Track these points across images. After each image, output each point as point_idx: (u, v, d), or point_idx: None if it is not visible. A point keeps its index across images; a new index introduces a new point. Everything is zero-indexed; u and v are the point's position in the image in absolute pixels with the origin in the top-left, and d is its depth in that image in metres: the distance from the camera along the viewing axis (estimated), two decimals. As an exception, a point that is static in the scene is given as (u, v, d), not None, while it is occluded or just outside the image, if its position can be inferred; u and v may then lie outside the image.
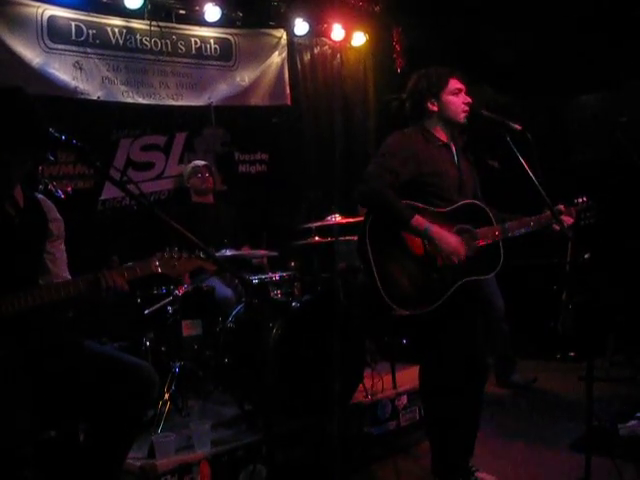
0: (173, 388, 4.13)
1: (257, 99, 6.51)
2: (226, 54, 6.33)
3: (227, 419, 4.08)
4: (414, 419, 4.45)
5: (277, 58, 6.65)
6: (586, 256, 3.48)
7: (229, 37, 6.34)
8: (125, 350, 4.15)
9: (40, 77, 5.19)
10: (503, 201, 3.64)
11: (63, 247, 2.90)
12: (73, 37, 5.40)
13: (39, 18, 5.22)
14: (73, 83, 5.38)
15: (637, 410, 4.09)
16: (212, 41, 6.23)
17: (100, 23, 5.55)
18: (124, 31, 5.68)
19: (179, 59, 6.02)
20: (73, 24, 5.40)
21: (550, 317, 5.63)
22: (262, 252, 5.04)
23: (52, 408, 2.57)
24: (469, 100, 3.42)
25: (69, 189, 4.28)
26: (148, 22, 5.74)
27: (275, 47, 6.65)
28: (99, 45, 5.54)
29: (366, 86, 7.25)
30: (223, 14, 6.06)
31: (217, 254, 4.41)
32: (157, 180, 5.89)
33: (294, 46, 6.80)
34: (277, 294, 4.45)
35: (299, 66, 6.88)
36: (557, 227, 3.41)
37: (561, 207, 3.55)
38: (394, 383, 4.48)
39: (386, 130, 3.59)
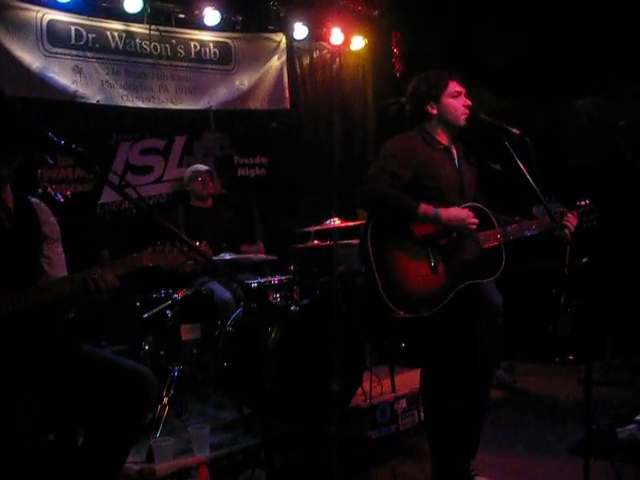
0: (172, 392, 4.14)
1: (256, 103, 6.51)
2: (225, 58, 6.34)
3: (226, 423, 4.09)
4: (413, 422, 4.45)
5: (276, 62, 6.66)
6: (584, 260, 3.47)
7: (228, 41, 6.35)
8: (124, 354, 4.16)
9: (39, 81, 5.19)
10: (505, 204, 3.64)
11: (60, 249, 2.89)
12: (73, 41, 5.41)
13: (39, 22, 5.22)
14: (72, 87, 5.39)
15: (636, 414, 4.09)
16: (211, 45, 6.24)
17: (100, 27, 5.55)
18: (124, 35, 5.68)
19: (178, 63, 6.02)
20: (73, 28, 5.41)
21: (548, 320, 5.63)
22: (261, 255, 5.05)
23: (50, 411, 2.56)
24: (469, 103, 3.42)
25: (68, 193, 4.29)
26: (148, 26, 5.74)
27: (274, 51, 6.66)
28: (99, 49, 5.54)
29: (365, 90, 7.26)
30: (222, 18, 6.06)
31: (216, 258, 4.41)
32: (156, 184, 5.89)
33: (293, 50, 6.81)
34: (276, 298, 4.46)
35: (298, 70, 6.89)
36: (567, 232, 3.40)
37: (561, 209, 3.55)
38: (393, 387, 4.48)
39: (385, 134, 3.60)
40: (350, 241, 4.85)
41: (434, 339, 3.37)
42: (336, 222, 4.68)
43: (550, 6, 5.79)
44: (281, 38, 6.67)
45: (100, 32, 5.55)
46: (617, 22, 5.63)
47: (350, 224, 4.63)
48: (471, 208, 3.36)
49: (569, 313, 5.23)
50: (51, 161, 4.55)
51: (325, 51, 7.07)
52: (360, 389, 4.22)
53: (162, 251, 2.73)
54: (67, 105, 5.34)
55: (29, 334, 2.64)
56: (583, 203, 3.60)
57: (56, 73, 5.29)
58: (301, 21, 6.54)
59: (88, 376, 2.63)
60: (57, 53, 5.33)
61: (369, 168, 3.37)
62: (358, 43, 7.03)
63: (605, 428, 3.90)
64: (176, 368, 4.28)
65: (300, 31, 6.59)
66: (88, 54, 5.49)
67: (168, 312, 4.44)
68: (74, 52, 5.42)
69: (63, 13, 5.35)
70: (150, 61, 5.84)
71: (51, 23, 5.29)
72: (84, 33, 5.47)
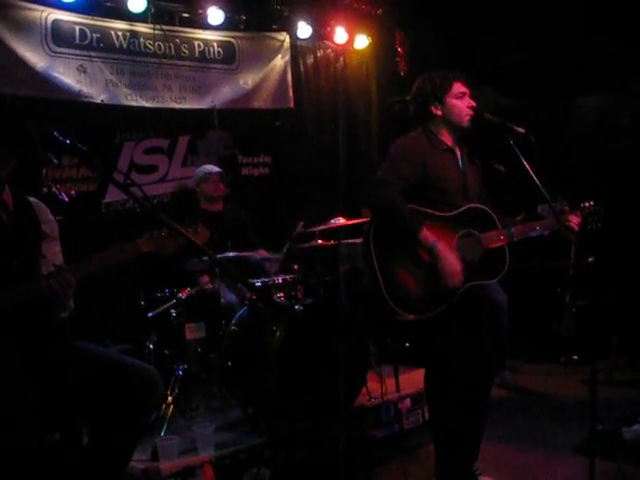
0: (176, 391, 4.14)
1: (260, 102, 6.52)
2: (229, 57, 6.34)
3: (230, 422, 4.09)
4: (417, 422, 4.45)
5: (280, 61, 6.67)
6: (590, 259, 3.46)
7: (232, 40, 6.35)
8: (129, 353, 4.15)
9: (44, 81, 5.20)
10: (509, 203, 3.63)
11: (57, 248, 2.89)
12: (77, 41, 5.42)
13: (43, 22, 5.23)
14: (77, 86, 5.40)
15: (641, 413, 4.08)
16: (215, 44, 6.24)
17: (104, 27, 5.56)
18: (128, 34, 5.69)
19: (182, 62, 6.03)
20: (77, 28, 5.42)
21: (553, 320, 5.62)
22: (264, 254, 5.03)
23: (55, 410, 2.57)
24: (473, 104, 3.42)
25: (73, 192, 4.30)
26: (152, 25, 5.76)
27: (278, 50, 6.66)
28: (103, 49, 5.55)
29: (369, 89, 7.25)
30: (226, 17, 6.07)
31: (219, 256, 4.41)
32: (160, 183, 5.90)
33: (297, 49, 6.81)
34: (280, 297, 4.46)
35: (302, 69, 6.89)
36: (570, 232, 3.39)
37: (566, 208, 3.54)
38: (397, 386, 4.48)
39: (389, 133, 3.61)
40: (354, 240, 4.85)
41: (438, 339, 3.36)
42: (340, 221, 4.67)
43: (553, 4, 5.78)
44: (285, 37, 6.68)
45: (104, 32, 5.56)
46: (621, 20, 5.62)
47: (354, 223, 4.62)
48: (474, 210, 3.36)
49: (574, 313, 5.23)
50: (56, 161, 4.57)
51: (329, 50, 7.07)
52: (364, 388, 4.22)
53: (159, 236, 2.72)
54: (71, 104, 5.35)
55: (27, 333, 2.64)
56: (587, 204, 3.58)
57: (60, 73, 5.31)
58: (305, 20, 6.55)
59: (93, 375, 2.63)
60: (61, 53, 5.34)
61: (378, 170, 3.37)
62: (362, 42, 7.03)
63: (610, 428, 3.89)
64: (180, 367, 4.28)
65: (304, 30, 6.59)
66: (92, 54, 5.50)
67: (173, 311, 4.45)
68: (78, 52, 5.43)
69: (67, 13, 5.36)
70: (154, 60, 5.84)
71: (55, 23, 5.30)
72: (88, 33, 5.48)
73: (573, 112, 6.64)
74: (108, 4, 5.54)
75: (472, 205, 3.38)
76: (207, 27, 6.12)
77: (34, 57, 5.16)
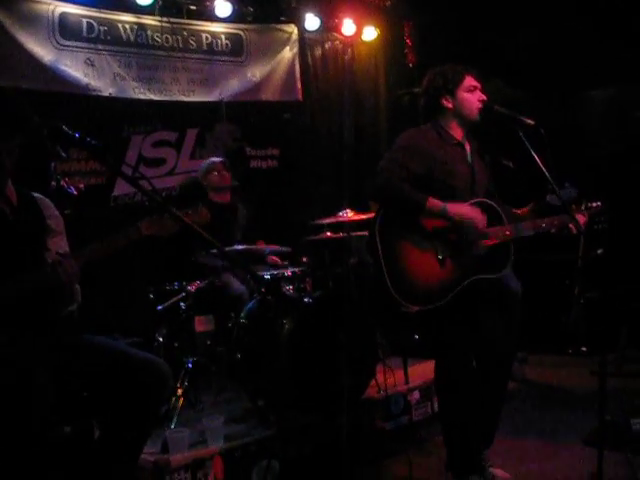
0: (186, 383, 4.15)
1: (268, 94, 6.51)
2: (237, 49, 6.34)
3: (240, 414, 4.10)
4: (426, 414, 4.46)
5: (288, 53, 6.66)
6: (599, 251, 3.45)
7: (240, 32, 6.35)
8: (138, 346, 4.16)
9: (52, 74, 5.22)
10: (518, 196, 3.62)
11: (64, 243, 2.90)
12: (84, 34, 5.43)
13: (50, 15, 5.24)
14: (84, 80, 5.41)
15: (650, 405, 4.08)
16: (223, 37, 6.24)
17: (111, 19, 5.57)
18: (135, 27, 5.70)
19: (190, 55, 6.04)
20: (84, 21, 5.43)
21: (562, 312, 5.61)
22: (274, 247, 5.03)
23: (66, 404, 2.58)
24: (484, 98, 3.42)
25: (81, 185, 4.30)
26: (159, 18, 5.76)
27: (286, 42, 6.65)
28: (110, 41, 5.56)
29: (377, 81, 7.24)
30: (234, 9, 6.06)
31: (228, 249, 4.41)
32: (169, 176, 5.91)
33: (305, 41, 6.81)
34: (289, 290, 4.46)
35: (310, 61, 6.89)
36: (573, 228, 3.38)
37: (572, 207, 3.53)
38: (406, 378, 4.49)
39: (398, 125, 3.60)
40: (363, 233, 4.84)
41: (447, 331, 3.36)
42: (349, 214, 4.66)
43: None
44: (293, 29, 6.67)
45: (112, 24, 5.57)
46: (633, 11, 5.58)
47: (363, 216, 4.61)
48: (480, 204, 3.35)
49: (582, 304, 5.22)
50: (64, 154, 4.56)
51: (337, 42, 7.06)
52: (373, 381, 4.22)
53: (159, 219, 2.74)
54: (79, 98, 5.36)
55: (37, 326, 2.66)
56: (594, 204, 3.56)
57: (68, 66, 5.32)
58: (313, 12, 6.54)
59: (103, 368, 2.64)
60: (69, 46, 5.36)
61: (380, 160, 3.37)
62: (370, 34, 7.01)
63: (619, 419, 3.88)
64: (190, 360, 4.29)
65: (312, 22, 6.58)
66: (100, 47, 5.51)
67: (182, 304, 4.45)
68: (86, 45, 5.45)
69: (75, 6, 5.38)
70: (162, 53, 5.85)
71: (63, 16, 5.31)
72: (96, 26, 5.48)
73: (584, 104, 6.61)
74: (115, -3, 5.55)
75: (478, 199, 3.38)
76: (215, 19, 6.12)
77: (41, 50, 5.18)
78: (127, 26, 5.66)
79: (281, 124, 6.60)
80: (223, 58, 6.25)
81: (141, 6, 5.59)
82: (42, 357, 2.55)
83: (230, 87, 6.24)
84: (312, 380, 3.86)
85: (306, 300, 4.16)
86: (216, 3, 5.95)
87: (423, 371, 4.63)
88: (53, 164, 4.19)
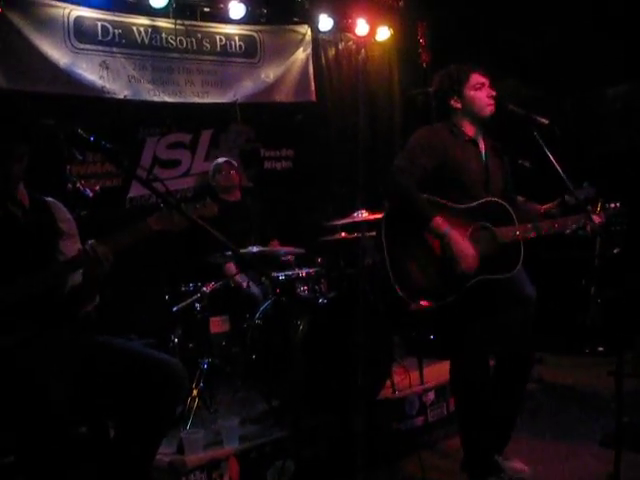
0: (201, 384, 4.17)
1: (282, 96, 6.52)
2: (251, 51, 6.35)
3: (255, 415, 4.11)
4: (442, 415, 4.44)
5: (302, 54, 6.66)
6: (616, 251, 3.42)
7: (254, 34, 6.36)
8: (153, 347, 4.19)
9: (67, 77, 5.25)
10: (534, 197, 3.60)
11: (77, 246, 2.89)
12: (99, 37, 5.45)
13: (66, 19, 5.27)
14: (100, 83, 5.44)
15: (668, 405, 4.04)
16: (237, 38, 6.25)
17: (126, 23, 5.59)
18: (150, 30, 5.72)
19: (204, 57, 6.05)
20: (99, 24, 5.45)
21: (579, 312, 5.58)
22: (289, 249, 5.04)
23: (82, 404, 2.59)
24: (494, 93, 3.40)
25: (97, 188, 4.32)
26: (173, 21, 5.78)
27: (300, 43, 6.65)
28: (125, 44, 5.59)
29: (391, 81, 7.23)
30: (247, 11, 6.07)
31: (243, 251, 4.42)
32: (183, 177, 5.93)
33: (318, 42, 6.80)
34: (304, 290, 4.47)
35: (324, 62, 6.88)
36: (589, 229, 3.35)
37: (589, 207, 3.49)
38: (421, 379, 4.48)
39: (412, 125, 3.60)
40: (377, 233, 4.83)
41: (462, 330, 3.35)
42: (363, 214, 4.65)
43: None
44: (306, 30, 6.67)
45: (126, 27, 5.60)
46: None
47: (377, 216, 4.60)
48: (490, 203, 3.34)
49: (599, 304, 5.18)
50: (80, 157, 4.60)
51: (350, 42, 7.05)
52: (388, 381, 4.22)
53: (167, 214, 2.74)
54: (95, 101, 5.39)
55: (55, 326, 2.68)
56: (613, 205, 3.51)
57: (83, 69, 5.35)
58: (326, 12, 6.53)
59: (119, 369, 2.65)
60: (84, 49, 5.39)
61: (395, 158, 3.37)
62: (384, 34, 6.99)
63: (637, 420, 3.85)
64: (205, 361, 4.31)
65: (325, 23, 6.58)
66: (115, 50, 5.54)
67: (197, 305, 4.47)
68: (101, 48, 5.47)
69: (89, 9, 5.40)
70: (176, 55, 5.87)
71: (78, 19, 5.34)
72: (110, 29, 5.51)
73: (599, 102, 6.57)
74: (130, 0, 5.57)
75: (489, 198, 3.36)
76: (228, 21, 6.13)
77: (57, 54, 5.21)
78: (142, 29, 5.68)
79: (295, 125, 6.59)
80: (237, 60, 6.26)
81: (155, 9, 5.61)
82: (57, 358, 2.57)
83: (244, 88, 6.25)
84: (327, 381, 3.86)
85: (320, 301, 4.17)
86: (230, 5, 5.96)
87: (438, 372, 4.61)
88: (69, 167, 4.22)
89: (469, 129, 3.47)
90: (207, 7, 6.00)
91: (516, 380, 3.46)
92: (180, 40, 5.87)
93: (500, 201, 3.37)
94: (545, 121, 3.23)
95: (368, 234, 4.84)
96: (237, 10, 5.99)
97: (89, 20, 5.40)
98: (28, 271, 2.63)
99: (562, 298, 5.84)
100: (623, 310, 4.01)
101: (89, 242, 2.67)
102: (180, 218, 2.73)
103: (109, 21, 5.50)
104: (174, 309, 4.46)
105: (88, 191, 4.08)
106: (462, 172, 3.36)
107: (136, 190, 5.53)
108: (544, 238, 3.37)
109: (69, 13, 5.29)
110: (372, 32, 6.90)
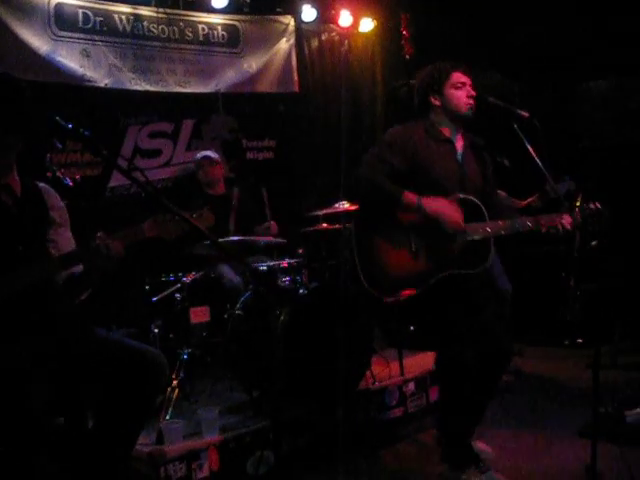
0: (181, 375, 4.16)
1: (264, 86, 6.50)
2: (233, 41, 6.32)
3: (235, 405, 4.11)
4: (421, 406, 4.47)
5: (284, 45, 6.64)
6: (593, 243, 3.44)
7: (236, 24, 6.33)
8: (133, 337, 4.17)
9: (47, 65, 5.20)
10: (515, 191, 3.62)
11: (68, 234, 2.88)
12: (80, 24, 5.40)
13: (46, 6, 5.21)
14: (80, 70, 5.39)
15: (644, 397, 4.09)
16: (219, 28, 6.22)
17: (107, 10, 5.54)
18: (131, 18, 5.67)
19: (186, 46, 6.01)
20: (80, 11, 5.40)
21: (558, 304, 5.61)
22: (269, 238, 5.04)
23: (60, 394, 2.58)
24: (473, 94, 3.41)
25: (77, 177, 4.30)
26: (155, 9, 5.74)
27: (282, 33, 6.63)
28: (106, 32, 5.53)
29: (374, 72, 7.23)
30: (230, 0, 6.03)
31: (223, 240, 4.42)
32: (165, 167, 5.90)
33: (301, 32, 6.79)
34: (284, 281, 4.46)
35: (307, 52, 6.87)
36: (560, 229, 3.36)
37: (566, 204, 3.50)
38: (401, 370, 4.49)
39: (394, 116, 3.60)
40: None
41: (444, 323, 3.37)
42: (345, 205, 4.66)
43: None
44: (289, 20, 6.65)
45: (108, 15, 5.55)
46: (629, 3, 5.57)
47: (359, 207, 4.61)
48: (460, 200, 3.34)
49: (578, 297, 5.22)
50: (60, 145, 4.56)
51: (334, 33, 7.04)
52: (368, 372, 4.23)
53: (163, 221, 2.73)
54: (75, 89, 5.34)
55: (45, 315, 2.66)
56: (593, 206, 3.49)
57: (64, 57, 5.30)
58: (309, 3, 6.51)
59: (99, 359, 2.64)
60: (65, 37, 5.33)
61: (364, 154, 3.44)
62: (367, 25, 6.99)
63: (613, 411, 3.90)
64: (185, 351, 4.30)
65: (308, 13, 6.55)
66: (96, 37, 5.48)
67: (177, 295, 4.46)
68: (82, 35, 5.42)
69: (71, -4, 5.34)
70: (158, 44, 5.83)
71: (59, 6, 5.28)
72: (92, 16, 5.46)
73: (581, 96, 6.61)
74: (111, -13, 5.52)
75: (460, 195, 3.36)
76: (211, 10, 6.09)
77: (37, 41, 5.15)
78: (123, 17, 5.63)
79: (277, 116, 6.59)
80: (219, 49, 6.23)
81: (137, -4, 5.57)
82: (40, 351, 2.55)
83: (226, 78, 6.23)
84: (307, 371, 3.87)
85: (301, 291, 4.17)
86: (212, -6, 5.93)
87: (419, 363, 4.64)
88: (49, 155, 4.18)
89: (446, 127, 3.48)
90: (190, -5, 5.97)
91: (493, 372, 3.47)
92: (162, 29, 5.83)
93: (473, 199, 3.37)
94: (525, 114, 3.25)
95: (349, 225, 4.87)
96: (220, -1, 5.96)
97: (70, 7, 5.34)
98: (17, 261, 2.60)
99: (541, 291, 5.88)
100: (601, 303, 4.04)
101: (99, 235, 2.63)
102: (175, 227, 2.71)
103: (90, 8, 5.44)
104: (154, 299, 4.45)
105: (68, 180, 4.04)
106: (434, 170, 3.37)
107: (117, 179, 5.49)
108: (520, 235, 3.38)
109: (50, 0, 5.23)
110: (355, 23, 6.89)
